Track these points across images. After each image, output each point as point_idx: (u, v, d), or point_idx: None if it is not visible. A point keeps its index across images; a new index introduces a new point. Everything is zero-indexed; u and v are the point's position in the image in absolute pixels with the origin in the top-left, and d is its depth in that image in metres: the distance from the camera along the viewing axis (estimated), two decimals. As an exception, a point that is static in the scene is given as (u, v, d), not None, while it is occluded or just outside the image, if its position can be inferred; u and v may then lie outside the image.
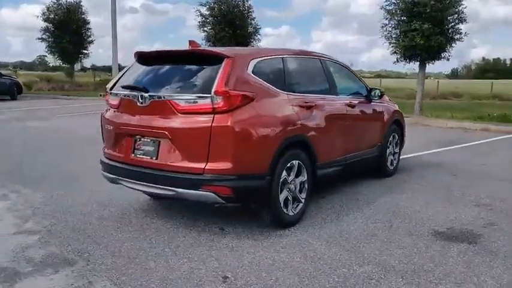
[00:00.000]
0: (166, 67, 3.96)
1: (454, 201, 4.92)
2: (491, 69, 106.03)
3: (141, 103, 3.70)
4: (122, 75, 4.20)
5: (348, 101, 5.03)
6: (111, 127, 4.02)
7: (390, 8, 13.40)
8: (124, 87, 3.96)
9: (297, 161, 4.00)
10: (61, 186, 5.37)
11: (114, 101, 4.04)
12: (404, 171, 6.37)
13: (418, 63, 13.81)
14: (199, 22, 18.95)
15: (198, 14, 18.91)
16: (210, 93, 3.45)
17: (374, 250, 3.54)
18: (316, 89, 4.63)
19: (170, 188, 3.58)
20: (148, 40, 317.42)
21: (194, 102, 3.52)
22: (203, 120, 3.46)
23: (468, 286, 2.96)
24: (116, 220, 4.21)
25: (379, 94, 5.49)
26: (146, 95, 3.67)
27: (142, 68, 4.09)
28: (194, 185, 3.49)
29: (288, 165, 3.90)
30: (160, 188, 3.67)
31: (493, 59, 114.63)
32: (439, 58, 13.27)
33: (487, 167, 6.90)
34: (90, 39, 25.55)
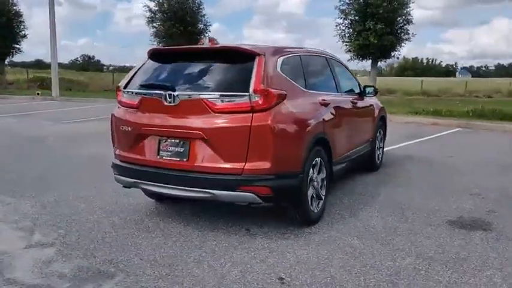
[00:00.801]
0: (191, 65, 3.80)
1: (447, 192, 5.20)
2: (410, 68, 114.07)
3: (169, 102, 3.52)
4: (135, 73, 3.96)
5: (350, 98, 5.15)
6: (129, 128, 3.78)
7: (344, 8, 13.85)
8: (145, 85, 3.75)
9: (319, 159, 4.03)
10: (46, 193, 4.96)
11: (132, 100, 3.81)
12: (387, 165, 6.63)
13: (370, 61, 14.42)
14: (148, 18, 18.39)
15: (147, 9, 18.33)
16: (248, 92, 3.37)
17: (406, 242, 3.66)
18: (327, 87, 4.69)
19: (205, 190, 3.45)
20: (74, 35, 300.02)
21: (230, 101, 3.41)
22: (241, 119, 3.37)
23: (507, 270, 3.15)
24: (132, 227, 3.98)
25: (374, 92, 5.66)
26: (175, 93, 3.50)
27: (160, 66, 3.89)
28: (232, 186, 3.39)
29: (313, 162, 3.92)
30: (193, 190, 3.51)
31: (412, 58, 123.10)
32: (390, 56, 13.96)
33: (455, 158, 7.37)
34: (23, 33, 23.79)
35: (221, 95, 3.44)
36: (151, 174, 3.66)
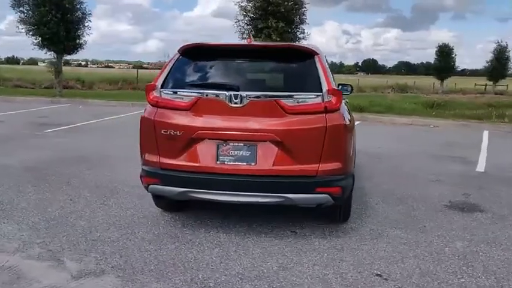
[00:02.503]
0: (243, 63, 3.57)
1: (415, 181, 5.77)
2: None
3: (235, 103, 3.25)
4: (169, 72, 3.52)
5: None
6: (178, 132, 3.35)
7: (244, 4, 14.07)
8: (198, 85, 3.38)
9: (348, 156, 4.16)
10: (22, 213, 4.15)
11: (180, 101, 3.39)
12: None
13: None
14: (13, 1, 15.88)
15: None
16: (320, 92, 3.32)
17: (437, 228, 4.02)
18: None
19: (279, 194, 3.30)
20: None
21: (302, 101, 3.31)
22: (316, 120, 3.30)
23: (535, 244, 3.73)
24: (171, 241, 3.57)
25: (350, 89, 5.92)
26: (244, 94, 3.24)
27: (205, 64, 3.57)
28: (309, 188, 3.31)
29: (349, 160, 4.03)
30: (263, 195, 3.32)
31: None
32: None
33: (383, 149, 8.19)
34: None
35: (293, 96, 3.31)
36: (209, 182, 3.34)
